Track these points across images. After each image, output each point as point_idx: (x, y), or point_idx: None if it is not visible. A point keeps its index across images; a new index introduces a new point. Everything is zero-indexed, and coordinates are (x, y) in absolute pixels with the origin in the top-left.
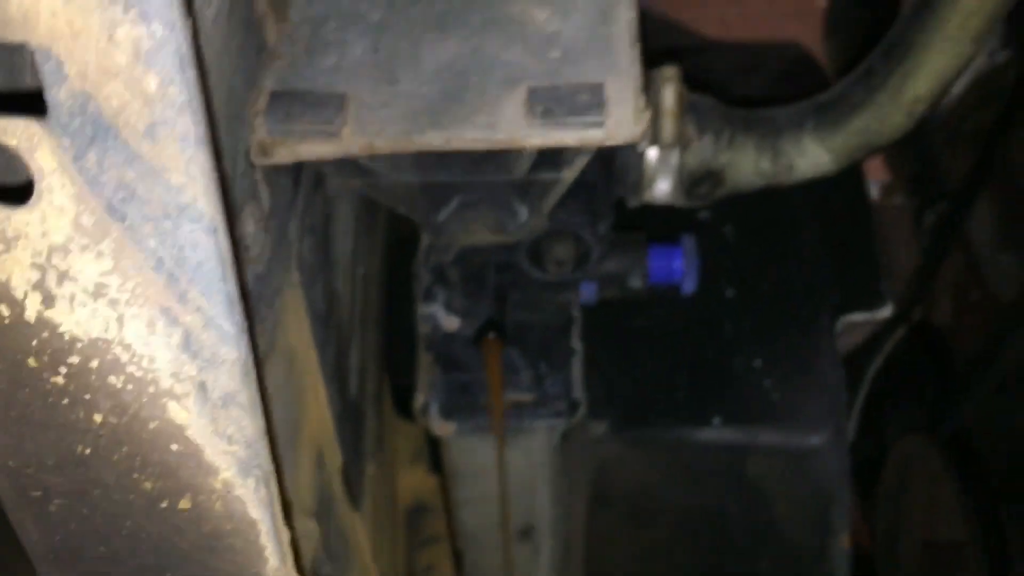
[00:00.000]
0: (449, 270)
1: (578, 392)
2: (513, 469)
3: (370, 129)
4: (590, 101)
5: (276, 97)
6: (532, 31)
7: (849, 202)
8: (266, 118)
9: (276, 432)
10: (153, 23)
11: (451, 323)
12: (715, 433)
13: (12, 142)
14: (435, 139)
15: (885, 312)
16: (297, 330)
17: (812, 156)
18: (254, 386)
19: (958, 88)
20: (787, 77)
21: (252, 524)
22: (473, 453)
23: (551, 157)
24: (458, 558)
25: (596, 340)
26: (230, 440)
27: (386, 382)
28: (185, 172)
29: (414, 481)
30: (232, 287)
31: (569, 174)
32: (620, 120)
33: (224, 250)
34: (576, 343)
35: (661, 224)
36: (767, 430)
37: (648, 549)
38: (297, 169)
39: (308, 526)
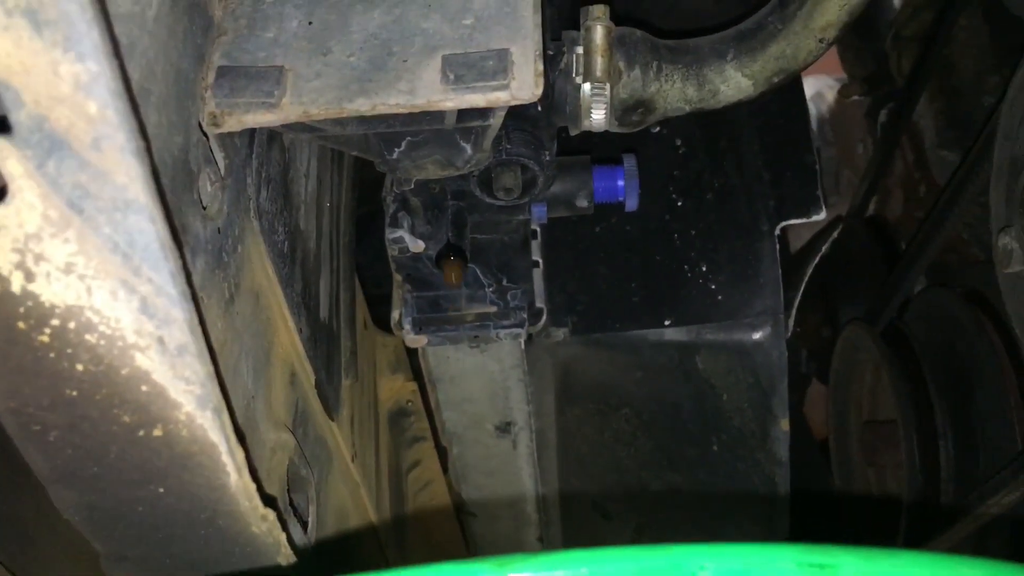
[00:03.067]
0: (411, 198)
1: (539, 301)
2: (487, 373)
3: (306, 98)
4: (496, 67)
5: (222, 72)
6: (448, 0)
7: (788, 112)
8: (214, 92)
9: (246, 360)
10: (87, 61)
11: (417, 246)
12: (666, 333)
13: None
14: (363, 106)
15: (819, 216)
16: (261, 270)
17: (734, 82)
18: (202, 339)
19: None
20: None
21: (213, 446)
22: (446, 360)
23: (476, 110)
24: (442, 454)
25: (555, 252)
26: (187, 381)
27: (361, 302)
28: (126, 174)
29: (395, 388)
30: (174, 263)
31: (495, 120)
32: (522, 83)
33: (164, 234)
34: (536, 256)
35: (615, 140)
36: (713, 328)
37: (612, 438)
38: (250, 131)
39: (283, 437)
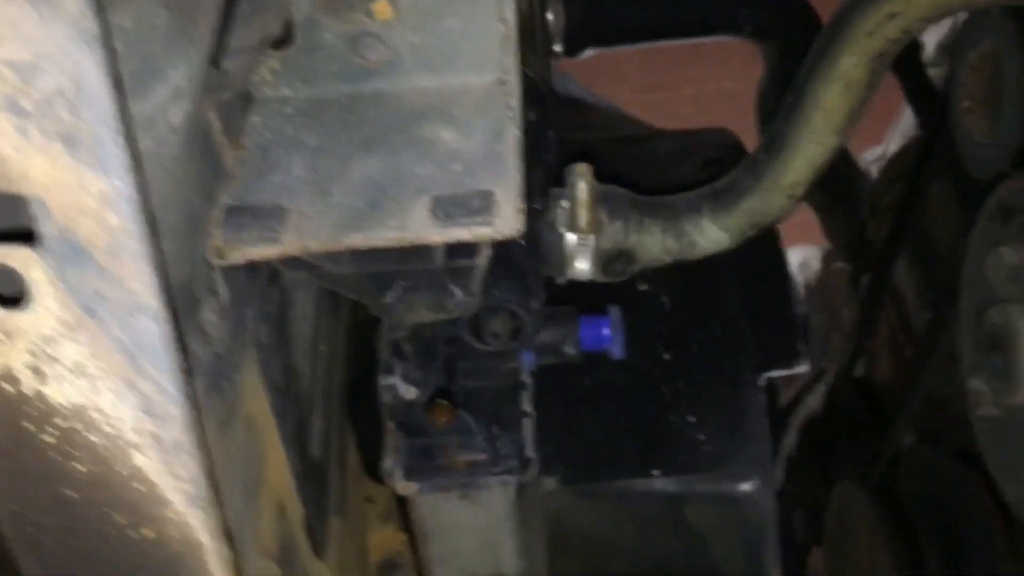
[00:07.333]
0: (404, 345)
1: (530, 450)
2: (476, 524)
3: (306, 234)
4: (482, 205)
5: (230, 211)
6: (440, 149)
7: (769, 269)
8: (221, 228)
9: (237, 485)
10: (112, 178)
11: (409, 392)
12: (655, 483)
13: (12, 264)
14: (356, 239)
15: (802, 368)
16: (256, 400)
17: (710, 235)
18: (197, 437)
19: (878, 165)
20: (718, 161)
21: (201, 546)
22: (436, 510)
23: (464, 248)
24: None
25: (546, 402)
26: (179, 479)
27: (354, 448)
28: (140, 281)
29: (385, 538)
30: (177, 363)
31: (481, 260)
32: (505, 219)
33: (169, 335)
34: (526, 406)
35: (604, 297)
36: (702, 479)
37: None
38: (252, 267)
39: (270, 569)
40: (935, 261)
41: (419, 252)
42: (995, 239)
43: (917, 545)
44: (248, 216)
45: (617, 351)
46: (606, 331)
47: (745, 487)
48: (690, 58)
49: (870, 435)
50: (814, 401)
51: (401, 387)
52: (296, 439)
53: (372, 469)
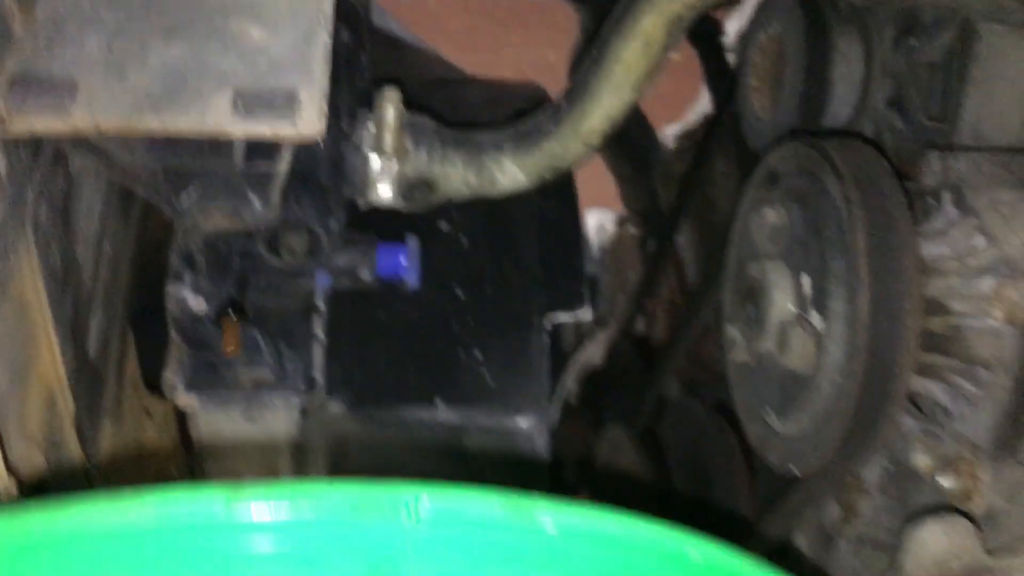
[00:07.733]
0: (196, 255)
1: (316, 372)
2: (256, 444)
3: (97, 112)
4: (284, 103)
5: (16, 80)
6: (247, 44)
7: (563, 220)
8: (4, 96)
9: (3, 363)
10: None
11: (198, 304)
12: (437, 413)
13: None
14: (153, 123)
15: (586, 314)
16: (31, 285)
17: (510, 173)
18: None
19: (670, 137)
20: (525, 111)
21: None
22: (217, 428)
23: (264, 150)
24: None
25: (338, 329)
26: None
27: (134, 358)
28: None
29: (161, 453)
30: None
31: (281, 165)
32: (307, 120)
33: None
34: (316, 329)
35: (404, 231)
36: (482, 412)
37: None
38: (36, 145)
39: (34, 455)
40: (714, 229)
41: (218, 149)
42: (761, 201)
43: (671, 484)
44: (35, 86)
45: (412, 281)
46: (402, 259)
47: (522, 422)
48: (516, 23)
49: (640, 386)
50: (595, 353)
51: (190, 298)
52: (72, 334)
53: (153, 383)
